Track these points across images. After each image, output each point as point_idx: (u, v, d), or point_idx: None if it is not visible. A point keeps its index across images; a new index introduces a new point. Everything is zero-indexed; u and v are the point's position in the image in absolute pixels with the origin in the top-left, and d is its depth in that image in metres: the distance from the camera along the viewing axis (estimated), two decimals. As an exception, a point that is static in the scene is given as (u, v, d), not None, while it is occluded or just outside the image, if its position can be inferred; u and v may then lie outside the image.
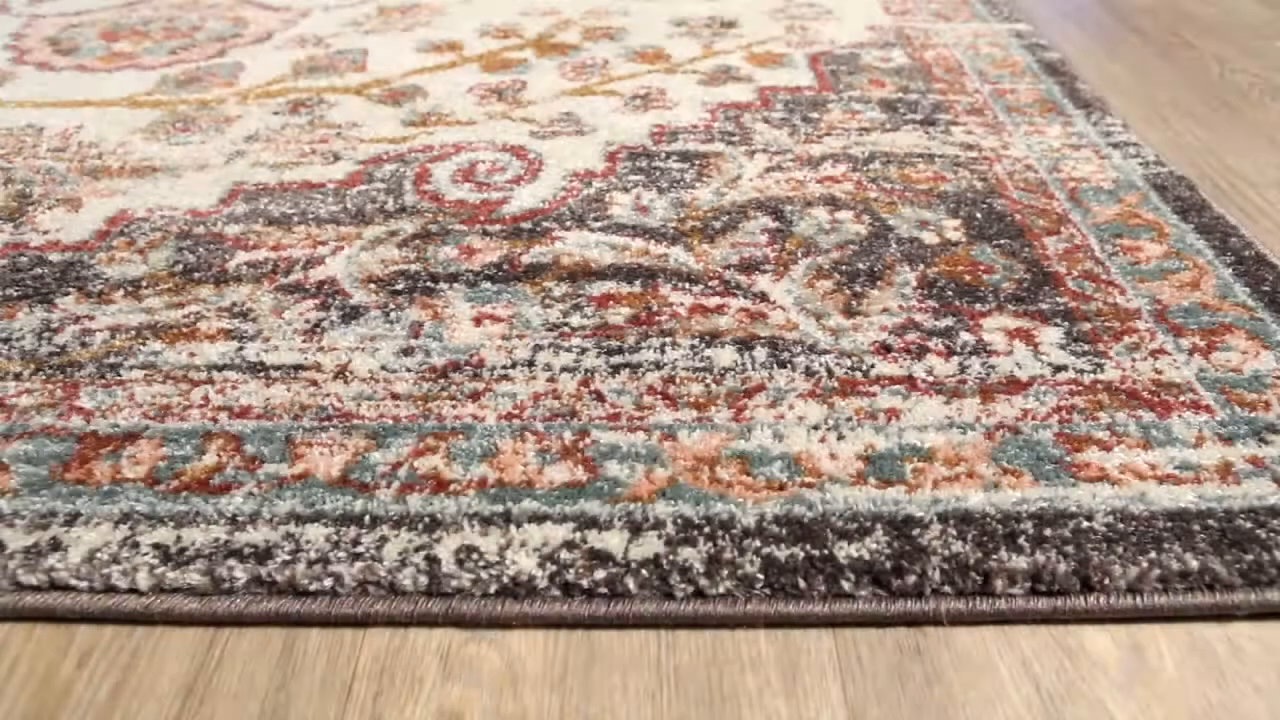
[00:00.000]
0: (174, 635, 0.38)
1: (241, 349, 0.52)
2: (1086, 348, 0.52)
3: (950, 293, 0.57)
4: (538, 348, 0.52)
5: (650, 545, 0.40)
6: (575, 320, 0.54)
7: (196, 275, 0.59)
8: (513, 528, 0.41)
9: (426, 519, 0.41)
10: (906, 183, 0.69)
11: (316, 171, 0.72)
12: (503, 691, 0.36)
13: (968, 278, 0.58)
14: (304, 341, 0.53)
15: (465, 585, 0.38)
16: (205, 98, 0.85)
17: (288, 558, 0.39)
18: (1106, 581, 0.38)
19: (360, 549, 0.40)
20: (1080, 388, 0.49)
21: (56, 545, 0.40)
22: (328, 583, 0.39)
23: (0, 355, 0.52)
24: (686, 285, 0.58)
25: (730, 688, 0.36)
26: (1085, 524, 0.41)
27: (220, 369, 0.51)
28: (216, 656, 0.37)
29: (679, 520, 0.41)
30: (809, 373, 0.50)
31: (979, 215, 0.65)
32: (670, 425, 0.47)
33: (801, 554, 0.39)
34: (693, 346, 0.52)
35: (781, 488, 0.43)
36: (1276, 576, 0.39)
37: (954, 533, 0.40)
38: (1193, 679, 0.36)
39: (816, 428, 0.46)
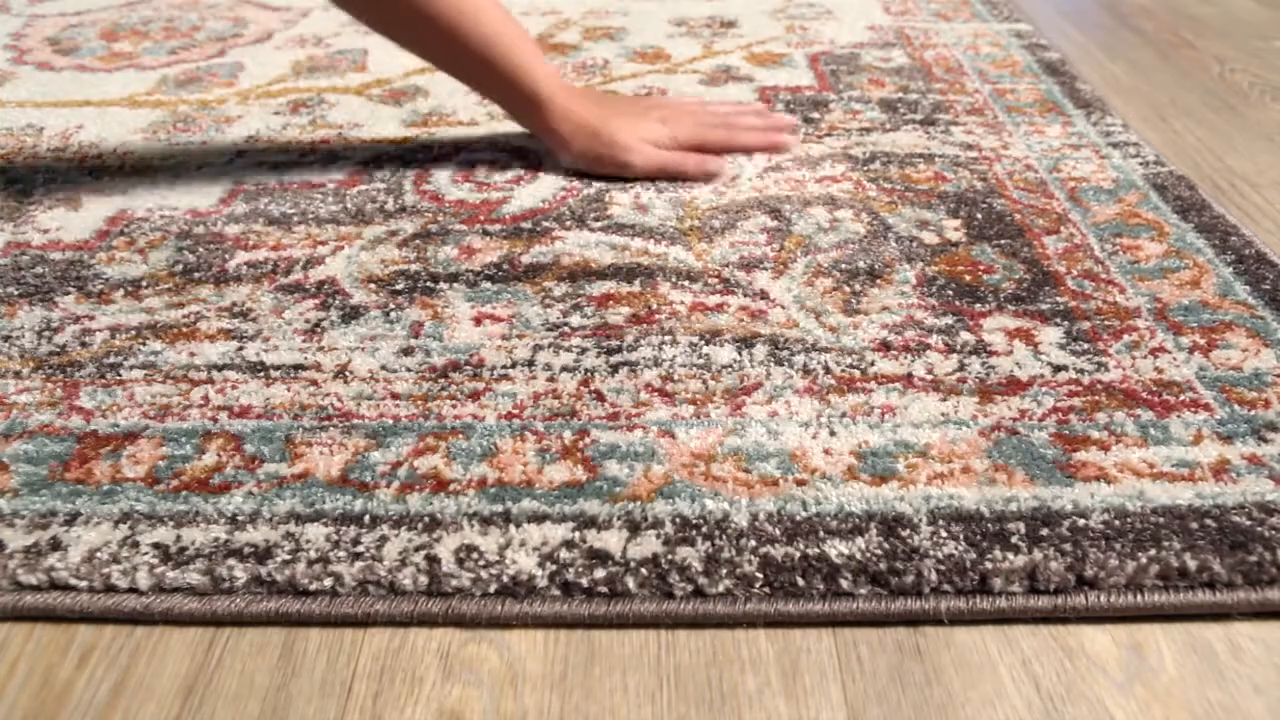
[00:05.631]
0: (174, 635, 0.38)
1: (241, 349, 0.52)
2: (1086, 347, 0.52)
3: (950, 292, 0.57)
4: (538, 347, 0.52)
5: (649, 544, 0.40)
6: (575, 320, 0.55)
7: (196, 275, 0.59)
8: (512, 527, 0.41)
9: (426, 519, 0.41)
10: (906, 182, 0.69)
11: (316, 172, 0.72)
12: (503, 691, 0.36)
13: (968, 277, 0.58)
14: (304, 341, 0.53)
15: (465, 585, 0.39)
16: (205, 98, 0.85)
17: (288, 557, 0.39)
18: (1103, 575, 0.38)
19: (360, 549, 0.40)
20: (1080, 387, 0.49)
21: (56, 545, 0.40)
22: (328, 582, 0.39)
23: (0, 354, 0.52)
24: (686, 284, 0.58)
25: (730, 688, 0.36)
26: (1081, 521, 0.41)
27: (220, 369, 0.51)
28: (216, 656, 0.37)
29: (677, 519, 0.41)
30: (806, 370, 0.50)
31: (979, 215, 0.65)
32: (667, 421, 0.47)
33: (797, 553, 0.39)
34: (691, 344, 0.52)
35: (775, 484, 0.43)
36: (1277, 576, 0.39)
37: (947, 530, 0.40)
38: (1193, 679, 0.36)
39: (808, 424, 0.46)
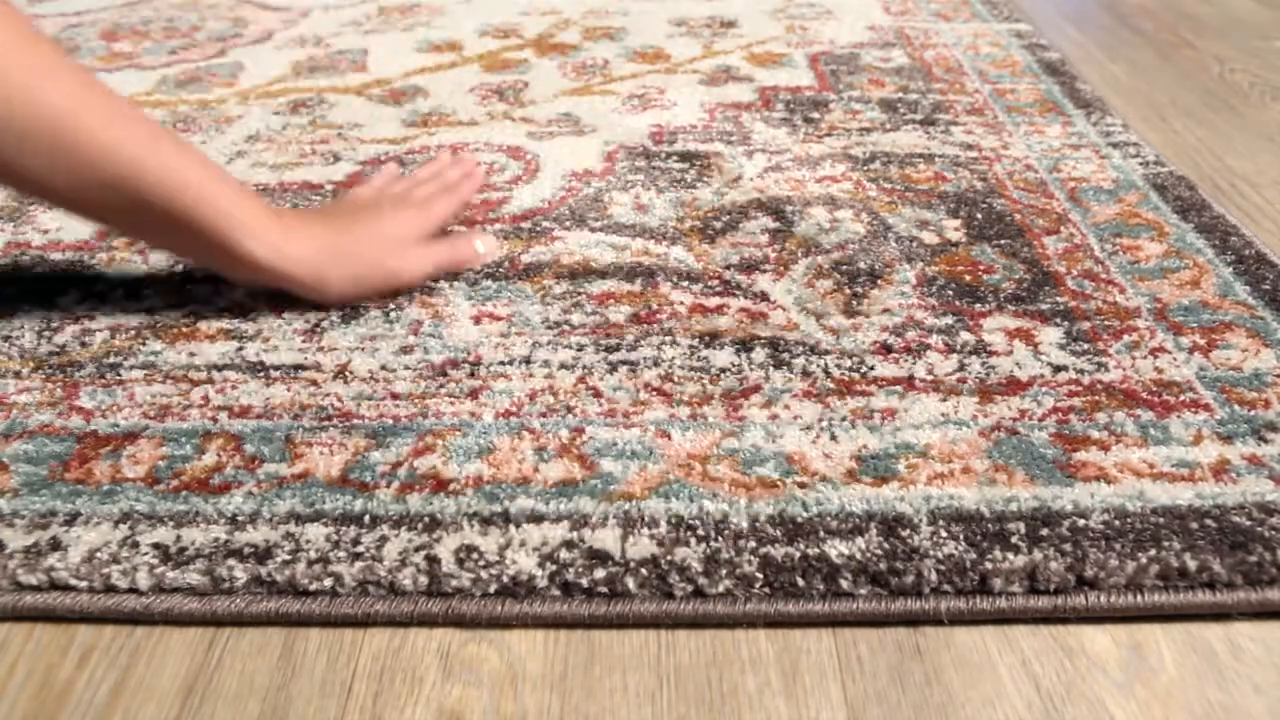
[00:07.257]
0: (174, 635, 0.38)
1: (241, 349, 0.52)
2: (1086, 347, 0.52)
3: (950, 292, 0.57)
4: (536, 345, 0.52)
5: (645, 545, 0.40)
6: (575, 318, 0.54)
7: (197, 275, 0.59)
8: (512, 527, 0.41)
9: (426, 519, 0.41)
10: (906, 182, 0.69)
11: (317, 172, 0.72)
12: (503, 691, 0.36)
13: (968, 278, 0.58)
14: (304, 341, 0.53)
15: (465, 585, 0.39)
16: (206, 98, 0.85)
17: (288, 557, 0.39)
18: (1103, 575, 0.38)
19: (360, 549, 0.40)
20: (1080, 387, 0.49)
21: (56, 545, 0.40)
22: (328, 583, 0.39)
23: (0, 354, 0.52)
24: (686, 284, 0.57)
25: (730, 688, 0.36)
26: (1081, 521, 0.41)
27: (220, 369, 0.51)
28: (216, 656, 0.37)
29: (673, 519, 0.41)
30: (806, 373, 0.50)
31: (979, 215, 0.65)
32: (665, 421, 0.47)
33: (797, 553, 0.39)
34: (691, 346, 0.52)
35: (774, 486, 0.43)
36: (1277, 576, 0.39)
37: (947, 531, 0.40)
38: (1193, 679, 0.36)
39: (809, 428, 0.46)
